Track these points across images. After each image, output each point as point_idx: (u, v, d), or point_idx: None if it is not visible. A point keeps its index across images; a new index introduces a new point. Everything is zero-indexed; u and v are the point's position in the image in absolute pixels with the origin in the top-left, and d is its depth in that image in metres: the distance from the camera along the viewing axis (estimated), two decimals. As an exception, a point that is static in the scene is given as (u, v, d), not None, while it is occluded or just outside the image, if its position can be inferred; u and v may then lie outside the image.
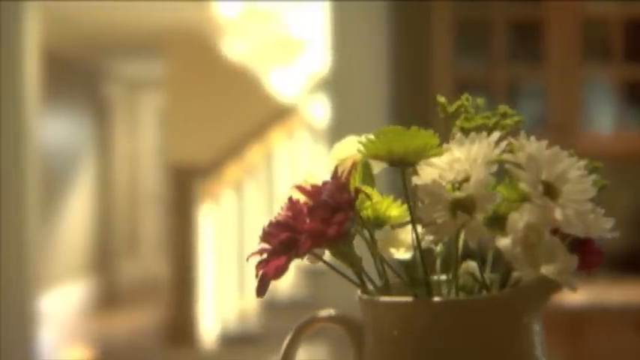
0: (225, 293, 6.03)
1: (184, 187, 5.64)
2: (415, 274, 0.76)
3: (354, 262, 0.76)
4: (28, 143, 4.14)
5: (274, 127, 6.10)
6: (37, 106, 4.29)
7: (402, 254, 0.78)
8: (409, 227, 0.78)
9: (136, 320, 8.55)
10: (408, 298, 0.74)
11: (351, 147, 0.83)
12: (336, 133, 4.03)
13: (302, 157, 6.56)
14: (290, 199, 0.75)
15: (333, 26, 4.05)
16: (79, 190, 8.78)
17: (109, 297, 9.64)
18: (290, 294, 5.97)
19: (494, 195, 0.68)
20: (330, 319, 0.81)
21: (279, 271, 0.72)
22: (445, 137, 0.77)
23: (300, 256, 0.72)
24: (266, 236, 0.75)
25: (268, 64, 7.08)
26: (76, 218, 8.57)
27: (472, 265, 0.76)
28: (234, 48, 7.06)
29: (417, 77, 3.96)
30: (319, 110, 6.23)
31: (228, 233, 5.95)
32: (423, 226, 0.72)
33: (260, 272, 0.74)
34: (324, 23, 4.22)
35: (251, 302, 6.03)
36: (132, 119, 10.87)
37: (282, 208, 0.77)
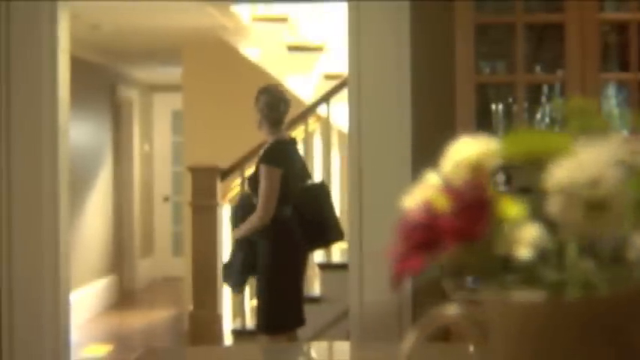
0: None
1: (206, 188, 5.72)
2: (536, 272, 0.79)
3: (484, 259, 0.80)
4: (62, 146, 4.20)
5: (292, 128, 6.17)
6: (69, 108, 4.36)
7: (522, 252, 0.80)
8: (528, 225, 0.81)
9: (151, 318, 8.63)
10: (539, 296, 0.76)
11: (466, 149, 0.90)
12: (356, 134, 4.10)
13: (317, 158, 6.64)
14: (424, 200, 0.81)
15: (353, 28, 4.09)
16: (97, 192, 8.85)
17: (125, 296, 9.71)
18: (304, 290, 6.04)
19: (627, 194, 0.72)
20: (454, 316, 0.84)
21: (417, 269, 0.79)
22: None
23: (441, 253, 0.78)
24: (402, 236, 0.81)
25: (286, 67, 7.15)
26: (94, 219, 8.64)
27: (589, 262, 0.78)
28: (252, 52, 7.13)
29: (439, 78, 4.03)
30: (337, 112, 6.30)
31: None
32: (550, 225, 0.77)
33: (397, 269, 0.80)
34: (344, 25, 4.26)
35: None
36: (147, 121, 10.94)
37: (412, 209, 0.82)
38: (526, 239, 0.82)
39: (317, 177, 6.62)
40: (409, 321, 4.05)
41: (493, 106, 3.89)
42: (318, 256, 6.39)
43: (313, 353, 3.12)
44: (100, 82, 8.94)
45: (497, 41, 3.94)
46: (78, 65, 6.64)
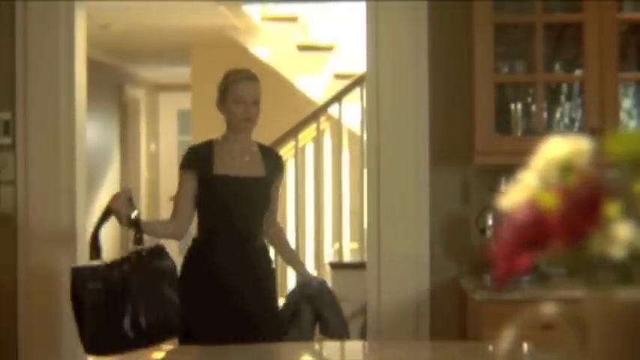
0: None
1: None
2: (632, 271, 0.79)
3: (586, 259, 0.80)
4: (79, 145, 4.22)
5: (302, 128, 6.18)
6: (85, 108, 4.37)
7: (616, 251, 0.80)
8: (623, 225, 0.81)
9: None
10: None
11: (557, 148, 0.90)
12: (374, 134, 4.10)
13: (328, 157, 6.64)
14: (529, 199, 0.81)
15: (371, 28, 4.09)
16: (105, 191, 8.84)
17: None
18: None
19: None
20: (555, 314, 0.84)
21: (524, 267, 0.79)
22: None
23: (548, 252, 0.78)
24: (507, 234, 0.81)
25: (296, 66, 7.15)
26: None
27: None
28: (262, 51, 7.13)
29: (457, 78, 4.03)
30: (348, 112, 6.31)
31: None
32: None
33: (503, 267, 0.80)
34: (354, 25, 4.26)
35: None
36: (153, 121, 10.96)
37: (516, 208, 0.82)
38: (622, 238, 0.82)
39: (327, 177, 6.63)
40: (427, 320, 4.06)
41: (512, 106, 3.89)
42: (328, 255, 6.40)
43: (326, 353, 3.13)
44: (108, 82, 8.94)
45: (515, 41, 3.95)
46: (87, 65, 6.62)
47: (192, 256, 3.71)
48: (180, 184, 3.79)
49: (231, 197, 3.65)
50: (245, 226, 3.66)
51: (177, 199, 3.78)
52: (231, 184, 3.67)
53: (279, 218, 4.01)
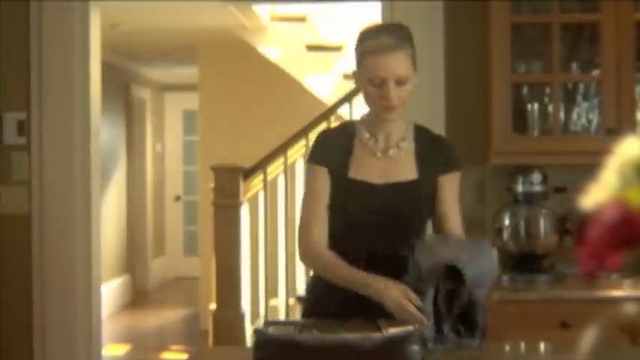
0: (258, 291, 6.11)
1: (229, 187, 5.70)
2: None
3: None
4: (93, 145, 4.21)
5: (313, 128, 6.17)
6: (100, 108, 4.36)
7: None
8: None
9: (165, 318, 8.62)
10: None
11: (633, 148, 0.90)
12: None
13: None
14: (618, 198, 0.81)
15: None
16: (111, 191, 8.84)
17: (138, 296, 9.70)
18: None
19: None
20: (634, 315, 0.85)
21: (614, 266, 0.79)
22: None
23: (638, 251, 0.78)
24: (596, 233, 0.81)
25: (305, 66, 7.15)
26: (108, 218, 8.63)
27: None
28: (271, 51, 7.13)
29: (473, 78, 4.03)
30: (358, 111, 6.31)
31: (267, 232, 6.02)
32: None
33: (591, 266, 0.80)
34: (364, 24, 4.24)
35: (283, 299, 6.11)
36: (159, 121, 10.96)
37: (601, 209, 0.82)
38: None
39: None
40: (443, 321, 4.05)
41: (528, 106, 3.89)
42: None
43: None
44: (114, 82, 8.94)
45: (532, 41, 3.94)
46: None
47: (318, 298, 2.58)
48: (311, 182, 2.60)
49: (365, 214, 2.56)
50: (391, 250, 2.53)
51: (309, 202, 2.59)
52: (368, 194, 2.58)
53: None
